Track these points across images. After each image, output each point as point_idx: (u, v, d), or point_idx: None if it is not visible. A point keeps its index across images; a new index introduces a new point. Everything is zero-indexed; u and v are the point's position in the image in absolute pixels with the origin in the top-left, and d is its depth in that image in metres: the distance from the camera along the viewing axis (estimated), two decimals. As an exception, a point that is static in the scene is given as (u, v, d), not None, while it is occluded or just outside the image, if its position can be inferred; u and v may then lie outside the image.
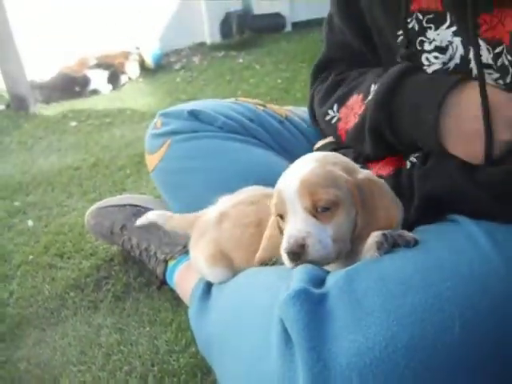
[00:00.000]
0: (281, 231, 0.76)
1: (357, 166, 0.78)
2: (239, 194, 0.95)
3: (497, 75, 0.78)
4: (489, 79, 0.79)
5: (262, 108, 1.30)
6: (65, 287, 1.33)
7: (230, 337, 0.74)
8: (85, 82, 3.10)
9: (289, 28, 4.13)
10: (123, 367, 1.06)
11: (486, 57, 0.78)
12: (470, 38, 0.77)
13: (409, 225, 0.79)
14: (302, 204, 0.70)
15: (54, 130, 2.54)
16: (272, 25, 4.05)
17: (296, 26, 4.10)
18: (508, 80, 0.76)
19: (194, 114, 1.23)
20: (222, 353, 0.76)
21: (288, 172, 0.76)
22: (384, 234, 0.69)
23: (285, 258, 0.70)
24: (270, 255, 0.79)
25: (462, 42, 0.81)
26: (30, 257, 1.47)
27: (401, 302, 0.57)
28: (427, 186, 0.79)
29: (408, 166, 0.88)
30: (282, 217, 0.74)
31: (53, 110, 2.88)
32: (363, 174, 0.75)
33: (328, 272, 0.70)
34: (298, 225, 0.70)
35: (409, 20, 0.88)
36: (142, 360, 1.07)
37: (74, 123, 2.61)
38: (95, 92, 3.12)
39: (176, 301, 1.22)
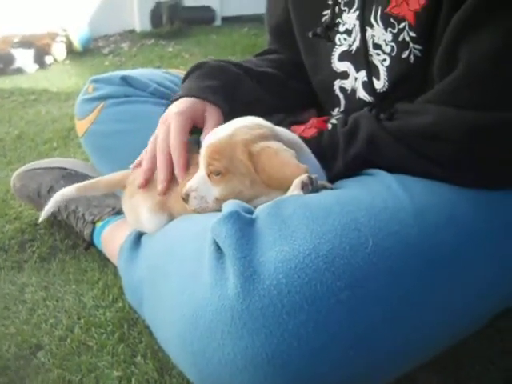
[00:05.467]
0: None
1: (274, 132, 0.81)
2: None
3: (384, 56, 0.89)
4: (376, 60, 0.90)
5: (193, 79, 1.35)
6: (-13, 249, 1.31)
7: (161, 269, 0.77)
8: (9, 59, 3.01)
9: (218, 22, 4.18)
10: (48, 320, 1.07)
11: (379, 37, 0.88)
12: (360, 20, 0.89)
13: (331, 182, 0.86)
14: (203, 164, 0.81)
15: (-26, 104, 2.46)
16: (202, 17, 4.09)
17: (226, 20, 4.16)
18: (405, 55, 0.85)
19: (126, 80, 1.26)
20: (153, 289, 0.79)
21: (210, 133, 0.83)
22: (310, 177, 0.74)
23: None
24: None
25: (360, 25, 0.91)
26: (-50, 221, 1.43)
27: (322, 222, 0.64)
28: (351, 150, 0.85)
29: (330, 128, 0.96)
30: None
31: (-27, 86, 2.79)
32: (261, 143, 0.78)
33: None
34: (194, 179, 0.82)
35: (330, 2, 0.98)
36: (68, 314, 1.08)
37: (-4, 99, 2.54)
38: (19, 71, 3.04)
39: (103, 261, 1.23)
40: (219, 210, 0.73)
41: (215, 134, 0.81)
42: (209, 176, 0.80)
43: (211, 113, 0.96)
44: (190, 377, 0.68)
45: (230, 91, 1.01)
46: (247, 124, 0.81)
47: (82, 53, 3.43)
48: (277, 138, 0.80)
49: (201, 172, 0.81)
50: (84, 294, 1.15)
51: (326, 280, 0.58)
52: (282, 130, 0.83)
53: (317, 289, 0.58)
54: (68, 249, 1.31)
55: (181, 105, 0.95)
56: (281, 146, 0.77)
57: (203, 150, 0.81)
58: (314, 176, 0.75)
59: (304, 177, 0.74)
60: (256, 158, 0.76)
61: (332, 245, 0.61)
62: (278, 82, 1.12)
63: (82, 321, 1.06)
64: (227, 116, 0.97)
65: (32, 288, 1.17)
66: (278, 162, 0.75)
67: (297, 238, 0.62)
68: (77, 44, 3.41)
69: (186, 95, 0.98)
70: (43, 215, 1.08)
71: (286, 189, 0.75)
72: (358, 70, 0.96)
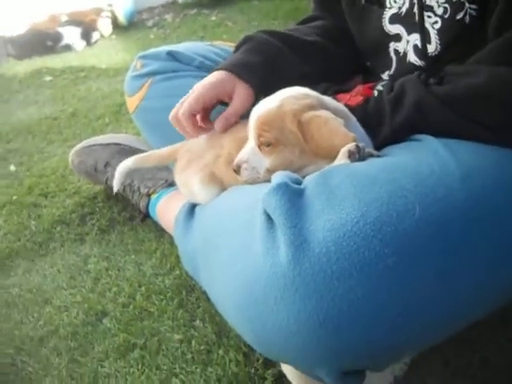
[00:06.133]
0: None
1: (321, 101, 0.82)
2: None
3: (435, 19, 0.88)
4: (427, 23, 0.89)
5: (236, 49, 1.37)
6: (51, 223, 1.39)
7: (214, 240, 0.80)
8: (57, 37, 3.10)
9: (261, -13, 4.15)
10: (112, 289, 1.14)
11: None
12: None
13: (377, 149, 0.87)
14: (253, 136, 0.82)
15: (29, 84, 2.57)
16: (244, -16, 4.07)
17: (268, -16, 4.13)
18: (460, 16, 0.84)
19: (172, 55, 1.29)
20: (207, 258, 0.83)
21: (258, 105, 0.84)
22: (357, 146, 0.75)
23: None
24: None
25: None
26: (14, 197, 1.53)
27: (369, 190, 0.65)
28: (398, 117, 0.84)
29: (376, 95, 0.96)
30: None
31: (26, 66, 2.89)
32: (311, 113, 0.79)
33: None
34: (244, 150, 0.83)
35: None
36: (130, 282, 1.15)
37: (49, 78, 2.63)
38: (68, 48, 3.12)
39: (159, 232, 1.29)
40: (269, 181, 0.76)
41: (263, 106, 0.82)
42: (259, 147, 0.82)
43: (239, 91, 0.97)
44: (248, 341, 0.72)
45: (270, 68, 1.02)
46: (294, 94, 0.82)
47: (127, 27, 3.50)
48: (324, 106, 0.81)
49: (251, 143, 0.83)
50: (143, 263, 1.21)
51: (374, 247, 0.60)
52: (328, 100, 0.84)
53: (365, 255, 0.60)
54: (126, 221, 1.37)
55: (212, 78, 0.98)
56: (329, 115, 0.78)
57: (252, 122, 0.82)
58: (361, 145, 0.76)
59: (351, 146, 0.75)
60: (305, 127, 0.77)
61: (379, 212, 0.62)
62: (324, 51, 1.12)
63: (143, 288, 1.12)
64: (262, 93, 0.97)
65: (94, 259, 1.25)
66: (326, 130, 0.77)
67: (344, 207, 0.63)
68: (122, 18, 3.47)
69: (224, 68, 0.99)
70: (115, 188, 1.12)
71: (334, 157, 0.77)
72: (409, 33, 0.95)
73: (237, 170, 0.83)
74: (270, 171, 0.80)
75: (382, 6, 0.98)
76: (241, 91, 0.97)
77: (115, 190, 1.13)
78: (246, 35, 1.08)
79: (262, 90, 0.98)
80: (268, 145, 0.80)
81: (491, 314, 0.73)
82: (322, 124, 0.77)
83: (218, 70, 1.00)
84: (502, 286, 0.70)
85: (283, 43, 1.07)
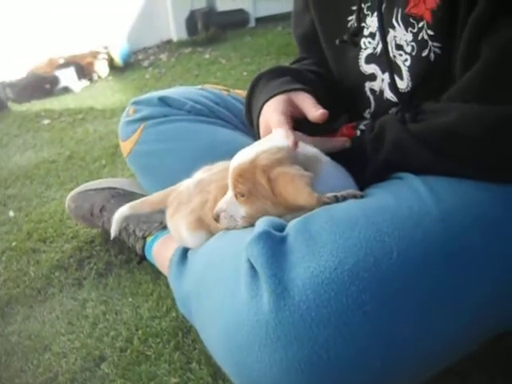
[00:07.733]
0: None
1: (293, 154, 0.83)
2: (215, 166, 1.04)
3: (406, 57, 0.91)
4: (399, 60, 0.93)
5: (226, 93, 1.41)
6: (49, 268, 1.41)
7: (205, 286, 0.82)
8: (55, 80, 3.16)
9: (252, 23, 4.24)
10: (109, 333, 1.15)
11: (401, 37, 0.91)
12: (380, 24, 0.92)
13: (361, 189, 0.89)
14: (230, 185, 0.86)
15: (28, 127, 2.60)
16: (236, 21, 4.16)
17: (259, 21, 4.22)
18: (425, 53, 0.87)
19: (163, 100, 1.33)
20: (199, 303, 0.85)
21: (236, 155, 0.86)
22: (335, 196, 0.78)
23: None
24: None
25: (378, 26, 0.93)
26: (14, 243, 1.54)
27: (348, 236, 0.67)
28: (379, 156, 0.87)
29: (358, 134, 0.99)
30: None
31: (25, 109, 2.94)
32: (279, 169, 0.80)
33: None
34: (223, 199, 0.87)
35: (354, 8, 1.01)
36: (127, 326, 1.16)
37: (47, 121, 2.67)
38: (66, 90, 3.18)
39: (155, 274, 1.31)
40: (253, 225, 0.78)
41: (240, 157, 0.85)
42: (236, 196, 0.85)
43: (298, 97, 0.97)
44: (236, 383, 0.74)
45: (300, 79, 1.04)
46: (268, 148, 0.84)
47: (123, 68, 3.55)
48: (295, 160, 0.82)
49: (229, 193, 0.87)
50: (140, 306, 1.22)
51: (352, 294, 0.62)
52: (302, 151, 0.85)
53: (343, 302, 0.61)
54: (123, 264, 1.39)
55: (273, 110, 0.95)
56: (297, 172, 0.79)
57: (230, 172, 0.86)
58: (339, 194, 0.78)
59: (331, 197, 0.77)
60: (273, 183, 0.80)
61: (357, 258, 0.64)
62: (322, 82, 1.14)
63: (140, 332, 1.13)
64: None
65: (92, 303, 1.26)
66: (292, 189, 0.78)
67: (323, 253, 0.65)
68: (118, 60, 3.54)
69: (266, 100, 0.99)
70: (113, 235, 1.17)
71: (305, 211, 0.78)
72: (383, 72, 0.99)
73: (216, 219, 0.87)
74: (247, 219, 0.84)
75: (356, 45, 1.02)
76: (299, 96, 0.97)
77: (112, 236, 1.17)
78: (255, 77, 1.09)
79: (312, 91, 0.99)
80: (243, 195, 0.84)
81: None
82: (288, 182, 0.79)
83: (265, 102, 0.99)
84: (487, 326, 0.71)
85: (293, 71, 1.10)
